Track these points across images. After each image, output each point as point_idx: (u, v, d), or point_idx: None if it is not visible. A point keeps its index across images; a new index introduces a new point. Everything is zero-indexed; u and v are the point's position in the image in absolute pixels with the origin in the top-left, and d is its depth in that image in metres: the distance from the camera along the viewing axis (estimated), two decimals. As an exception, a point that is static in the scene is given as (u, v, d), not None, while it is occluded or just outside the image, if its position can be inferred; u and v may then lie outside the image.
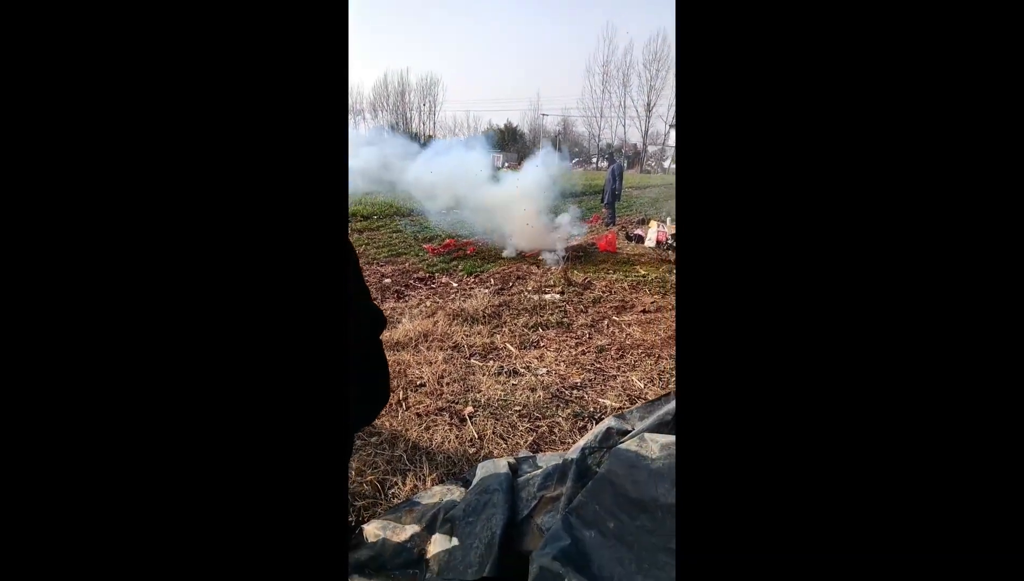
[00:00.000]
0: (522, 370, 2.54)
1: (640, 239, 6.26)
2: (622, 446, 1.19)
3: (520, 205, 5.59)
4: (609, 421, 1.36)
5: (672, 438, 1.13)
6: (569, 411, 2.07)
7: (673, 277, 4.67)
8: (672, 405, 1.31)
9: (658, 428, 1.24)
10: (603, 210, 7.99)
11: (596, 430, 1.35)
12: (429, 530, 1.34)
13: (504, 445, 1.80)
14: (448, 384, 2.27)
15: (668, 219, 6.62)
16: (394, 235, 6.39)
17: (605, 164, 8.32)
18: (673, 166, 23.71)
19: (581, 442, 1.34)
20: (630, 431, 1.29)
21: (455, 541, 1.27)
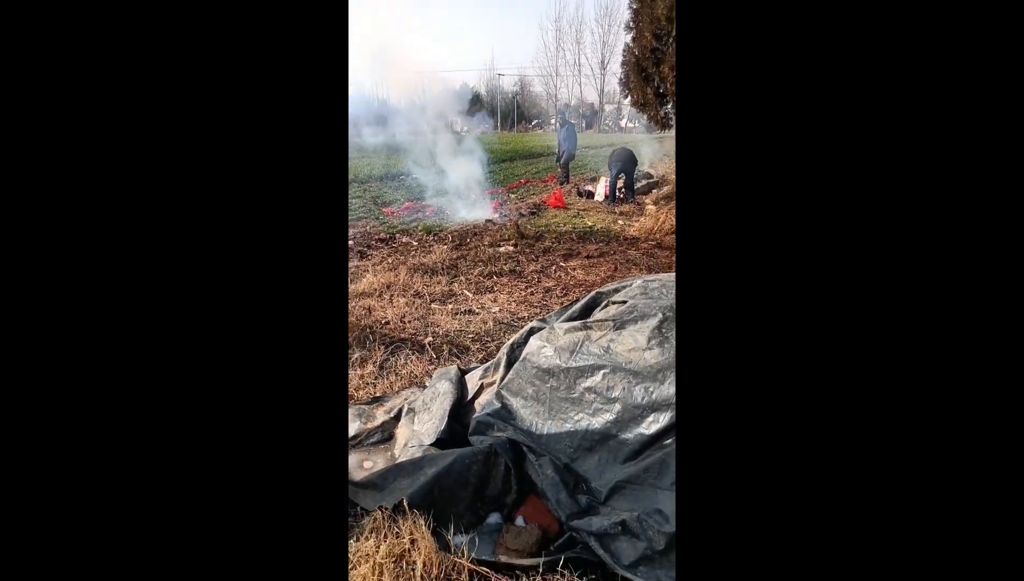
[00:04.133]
0: (477, 310, 2.87)
1: (591, 194, 6.61)
2: (536, 334, 1.54)
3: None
4: (532, 322, 1.71)
5: (573, 323, 1.49)
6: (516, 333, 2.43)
7: (617, 226, 5.07)
8: (580, 303, 1.67)
9: (565, 320, 1.61)
10: (558, 170, 8.26)
11: (523, 330, 1.70)
12: (396, 419, 1.68)
13: (458, 362, 2.15)
14: (410, 322, 2.59)
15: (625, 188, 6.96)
16: (353, 201, 6.47)
17: (558, 125, 8.49)
18: (629, 124, 23.90)
19: (511, 340, 1.69)
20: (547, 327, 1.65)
21: (416, 423, 1.62)
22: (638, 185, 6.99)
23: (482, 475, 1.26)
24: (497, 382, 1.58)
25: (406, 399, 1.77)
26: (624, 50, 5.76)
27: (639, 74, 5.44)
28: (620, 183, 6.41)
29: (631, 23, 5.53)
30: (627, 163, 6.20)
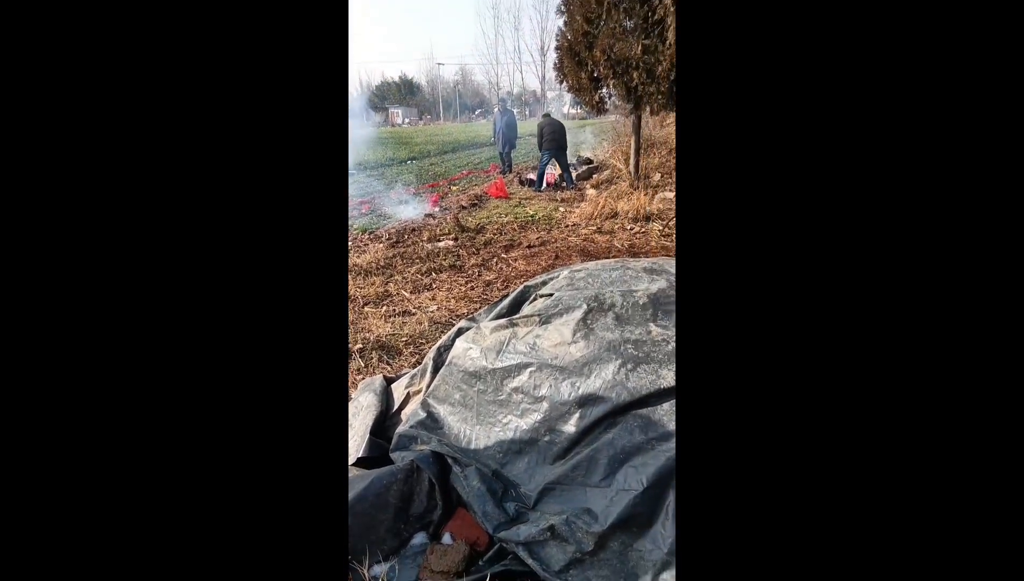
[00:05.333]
0: (413, 310, 2.74)
1: (532, 183, 6.57)
2: (462, 336, 1.45)
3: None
4: (460, 323, 1.62)
5: (500, 321, 1.42)
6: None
7: (559, 214, 5.06)
8: (508, 299, 1.60)
9: (494, 318, 1.53)
10: (500, 160, 8.16)
11: (450, 332, 1.61)
12: (316, 439, 1.54)
13: (389, 368, 2.02)
14: (338, 329, 2.42)
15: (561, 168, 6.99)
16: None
17: (497, 113, 8.39)
18: (571, 110, 24.20)
19: (437, 343, 1.59)
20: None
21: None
22: (579, 170, 7.03)
23: (404, 494, 1.17)
24: (423, 390, 1.48)
25: (328, 415, 1.63)
26: (557, 35, 5.69)
27: (572, 59, 5.39)
28: (556, 171, 6.40)
29: (562, 7, 5.46)
30: (558, 140, 6.20)
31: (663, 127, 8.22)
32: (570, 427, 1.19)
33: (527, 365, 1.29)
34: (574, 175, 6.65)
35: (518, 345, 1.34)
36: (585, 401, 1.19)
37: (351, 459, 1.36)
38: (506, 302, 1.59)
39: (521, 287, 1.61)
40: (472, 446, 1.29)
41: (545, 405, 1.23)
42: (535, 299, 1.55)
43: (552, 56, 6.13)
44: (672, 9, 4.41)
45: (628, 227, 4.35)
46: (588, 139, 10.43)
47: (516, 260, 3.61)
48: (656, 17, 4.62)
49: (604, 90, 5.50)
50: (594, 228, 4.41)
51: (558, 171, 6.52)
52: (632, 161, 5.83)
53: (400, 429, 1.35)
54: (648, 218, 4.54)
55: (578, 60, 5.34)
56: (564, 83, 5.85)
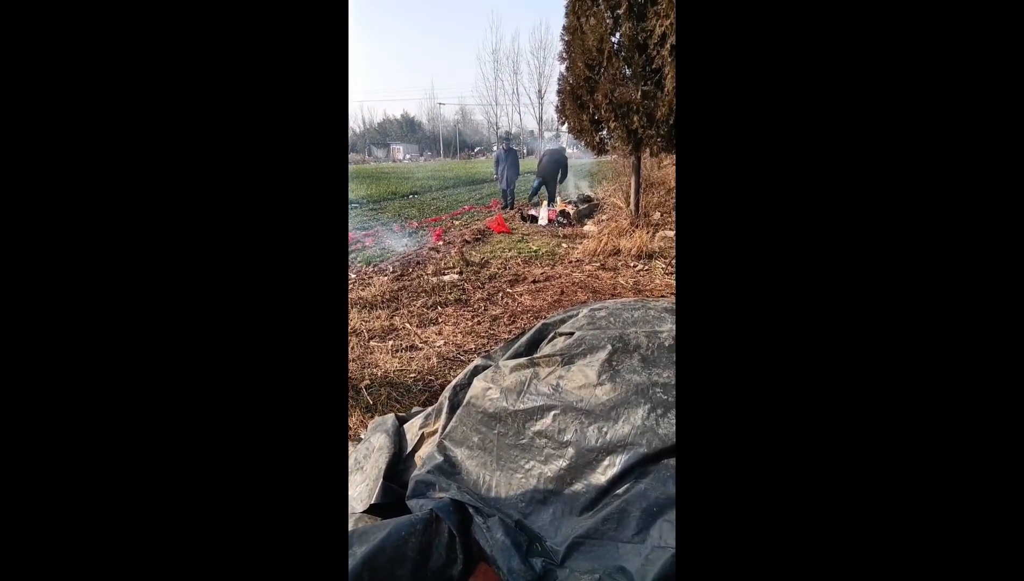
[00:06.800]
0: (420, 345, 2.70)
1: (534, 219, 6.67)
2: (480, 375, 1.41)
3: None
4: (476, 361, 1.58)
5: (519, 360, 1.38)
6: (461, 371, 2.28)
7: (561, 249, 5.10)
8: (525, 337, 1.56)
9: (511, 357, 1.49)
10: (503, 195, 8.32)
11: (466, 370, 1.56)
12: (324, 483, 1.46)
13: (399, 406, 1.96)
14: (344, 364, 2.36)
15: (558, 198, 7.13)
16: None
17: (500, 150, 8.62)
18: (569, 150, 24.99)
19: (453, 381, 1.55)
20: (492, 365, 1.52)
21: (348, 486, 1.41)
22: (580, 208, 7.15)
23: (422, 547, 1.09)
24: (439, 431, 1.42)
25: (337, 457, 1.55)
26: (559, 79, 5.93)
27: (574, 102, 5.60)
28: (555, 208, 6.51)
29: (564, 54, 5.72)
30: (549, 169, 6.38)
31: (660, 168, 8.46)
32: (598, 476, 1.14)
33: (550, 407, 1.24)
34: (571, 212, 6.77)
35: (540, 386, 1.30)
36: (614, 448, 1.14)
37: (364, 506, 1.29)
38: (523, 340, 1.56)
39: (539, 325, 1.59)
40: (492, 493, 1.22)
41: (571, 451, 1.18)
42: (554, 338, 1.52)
43: (548, 99, 6.37)
44: (669, 59, 4.63)
45: (631, 264, 4.37)
46: (584, 175, 10.71)
47: (521, 295, 3.59)
48: (654, 66, 4.84)
49: (604, 132, 5.68)
50: (598, 265, 4.44)
51: (558, 208, 6.63)
52: (633, 200, 5.95)
53: (416, 474, 1.29)
54: (651, 256, 4.58)
55: (580, 103, 5.54)
56: (566, 124, 6.04)
